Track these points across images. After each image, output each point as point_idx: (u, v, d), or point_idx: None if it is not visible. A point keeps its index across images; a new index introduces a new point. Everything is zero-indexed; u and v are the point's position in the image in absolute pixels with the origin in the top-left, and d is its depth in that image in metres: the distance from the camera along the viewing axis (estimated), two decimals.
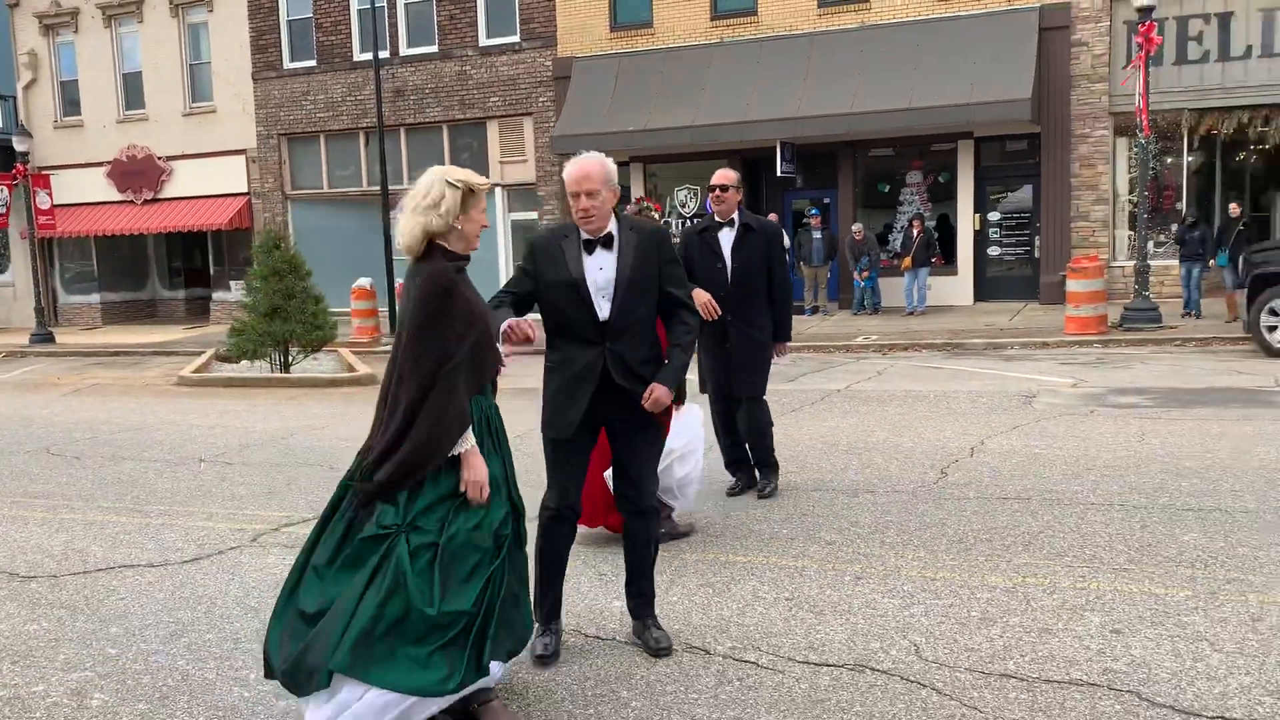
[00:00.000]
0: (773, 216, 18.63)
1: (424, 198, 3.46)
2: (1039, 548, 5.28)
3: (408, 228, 3.46)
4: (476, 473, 3.43)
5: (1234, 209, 15.08)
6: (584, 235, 4.04)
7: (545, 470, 4.17)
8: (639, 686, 3.89)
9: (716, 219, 6.33)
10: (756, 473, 6.65)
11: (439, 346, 3.36)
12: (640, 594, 4.29)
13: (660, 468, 5.35)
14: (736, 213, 6.29)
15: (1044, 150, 18.00)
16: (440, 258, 3.46)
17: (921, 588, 4.78)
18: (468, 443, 3.42)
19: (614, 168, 4.06)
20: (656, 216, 6.19)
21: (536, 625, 4.09)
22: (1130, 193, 17.62)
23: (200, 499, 7.24)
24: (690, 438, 5.70)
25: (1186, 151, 17.73)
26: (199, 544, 6.06)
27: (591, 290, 4.00)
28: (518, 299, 4.08)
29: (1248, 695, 3.59)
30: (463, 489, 3.43)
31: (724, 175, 6.29)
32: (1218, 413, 8.62)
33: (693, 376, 5.77)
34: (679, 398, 5.58)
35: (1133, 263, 15.43)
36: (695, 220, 20.34)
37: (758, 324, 6.33)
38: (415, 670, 3.26)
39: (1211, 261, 14.94)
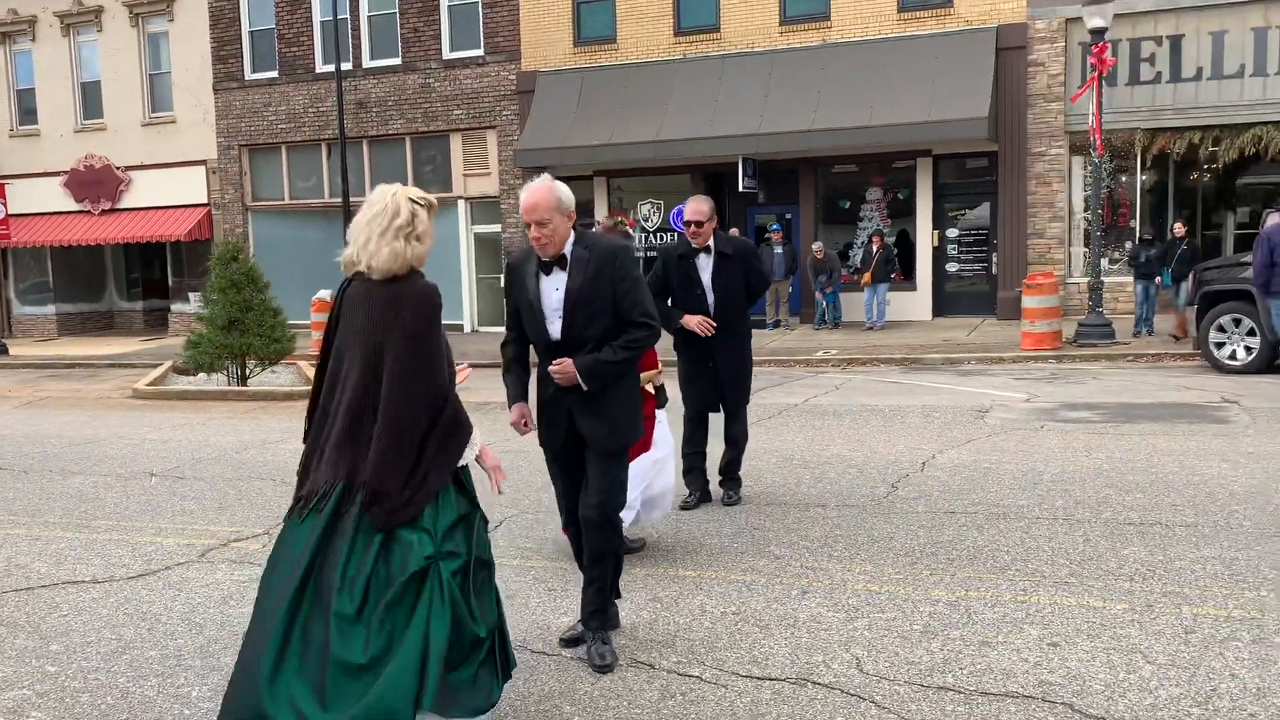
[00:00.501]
0: (734, 231, 18.75)
1: (393, 219, 3.29)
2: (983, 561, 5.35)
3: (388, 252, 3.26)
4: (493, 459, 3.50)
5: (1178, 229, 15.25)
6: (541, 258, 4.14)
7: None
8: (582, 702, 3.91)
9: (693, 246, 6.38)
10: (719, 484, 6.79)
11: (443, 364, 3.32)
12: (595, 608, 4.29)
13: (647, 474, 5.42)
14: (712, 239, 6.37)
15: (1001, 168, 18.27)
16: (418, 276, 3.37)
17: (866, 601, 4.83)
18: (476, 447, 3.43)
19: (565, 192, 4.09)
20: (630, 232, 6.26)
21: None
22: (1085, 210, 17.91)
23: (149, 514, 7.17)
24: (668, 445, 5.73)
25: (1140, 170, 18.06)
26: (146, 559, 6.00)
27: (546, 311, 4.14)
28: (520, 335, 4.37)
29: (1176, 706, 3.67)
30: (493, 489, 3.49)
31: (697, 210, 6.28)
32: (1165, 428, 8.77)
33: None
34: (660, 401, 5.64)
35: (1087, 279, 15.68)
36: (659, 235, 20.50)
37: (741, 334, 6.59)
38: (474, 693, 3.25)
39: (1157, 280, 15.13)
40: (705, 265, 6.38)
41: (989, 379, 12.50)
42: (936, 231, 19.06)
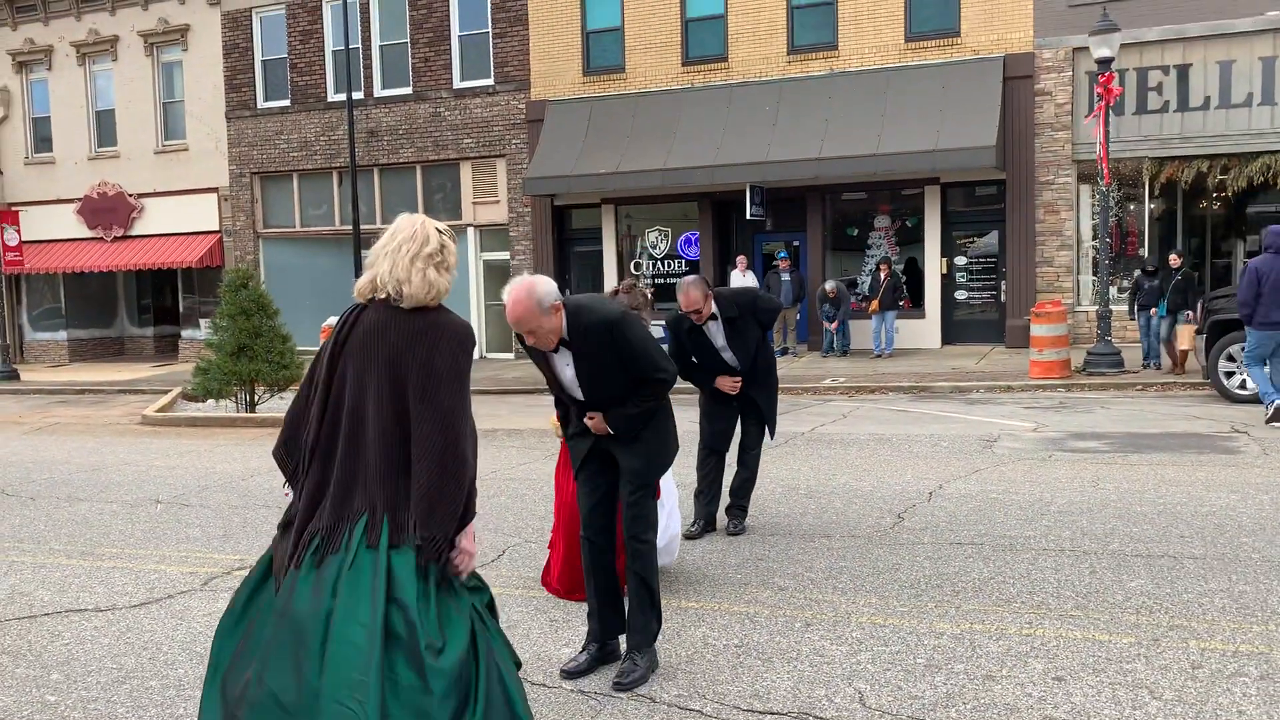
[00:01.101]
0: (741, 259, 18.81)
1: (423, 246, 3.18)
2: (989, 594, 5.31)
3: (421, 280, 3.14)
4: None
5: (1174, 259, 14.61)
6: None
7: None
8: None
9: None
10: (726, 509, 6.84)
11: (467, 394, 3.22)
12: (634, 626, 4.45)
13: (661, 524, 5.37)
14: (714, 307, 6.39)
15: (1009, 196, 18.29)
16: (447, 309, 3.25)
17: (870, 634, 4.80)
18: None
19: (544, 291, 4.06)
20: (649, 295, 6.26)
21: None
22: (1093, 238, 17.89)
23: (154, 541, 7.17)
24: (673, 496, 5.70)
25: (1148, 199, 18.06)
26: (149, 588, 6.00)
27: (565, 383, 4.43)
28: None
29: None
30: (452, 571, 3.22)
31: (690, 301, 6.23)
32: (1173, 458, 8.72)
33: None
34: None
35: (1096, 308, 15.63)
36: (667, 262, 20.55)
37: (766, 366, 6.70)
38: None
39: (1153, 311, 14.58)
40: (716, 332, 6.49)
41: (997, 408, 12.45)
42: (945, 259, 19.05)
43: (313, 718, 2.88)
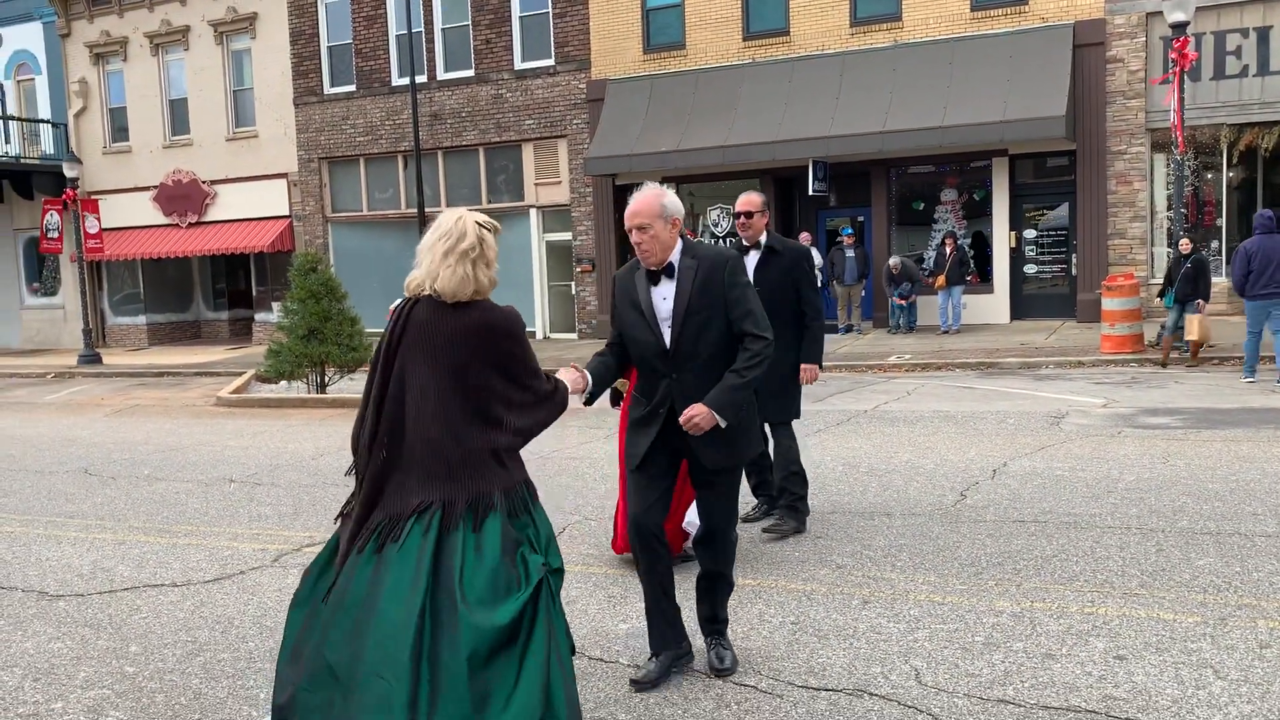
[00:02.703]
0: (805, 235, 18.66)
1: (458, 242, 3.30)
2: (1051, 572, 5.25)
3: (452, 275, 3.26)
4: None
5: (1184, 245, 13.31)
6: (647, 267, 4.11)
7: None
8: (637, 710, 3.93)
9: (744, 243, 6.29)
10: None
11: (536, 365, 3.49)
12: (707, 615, 4.32)
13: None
14: (764, 235, 6.18)
15: (1080, 167, 17.85)
16: (492, 302, 3.38)
17: (928, 612, 4.78)
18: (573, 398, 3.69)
19: (671, 200, 4.05)
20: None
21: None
22: (1168, 209, 17.40)
23: (227, 519, 7.39)
24: None
25: (1226, 167, 17.50)
26: (222, 564, 6.20)
27: (658, 319, 4.06)
28: (618, 349, 4.24)
29: None
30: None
31: (747, 201, 6.16)
32: (1249, 434, 8.50)
33: None
34: (614, 401, 5.52)
35: None
36: (728, 240, 20.47)
37: (783, 347, 6.03)
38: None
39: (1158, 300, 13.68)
40: (751, 261, 6.15)
41: (1066, 384, 12.22)
42: (1013, 232, 18.69)
43: (356, 689, 3.04)
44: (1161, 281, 14.99)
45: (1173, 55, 14.37)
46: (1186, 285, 12.99)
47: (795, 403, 6.30)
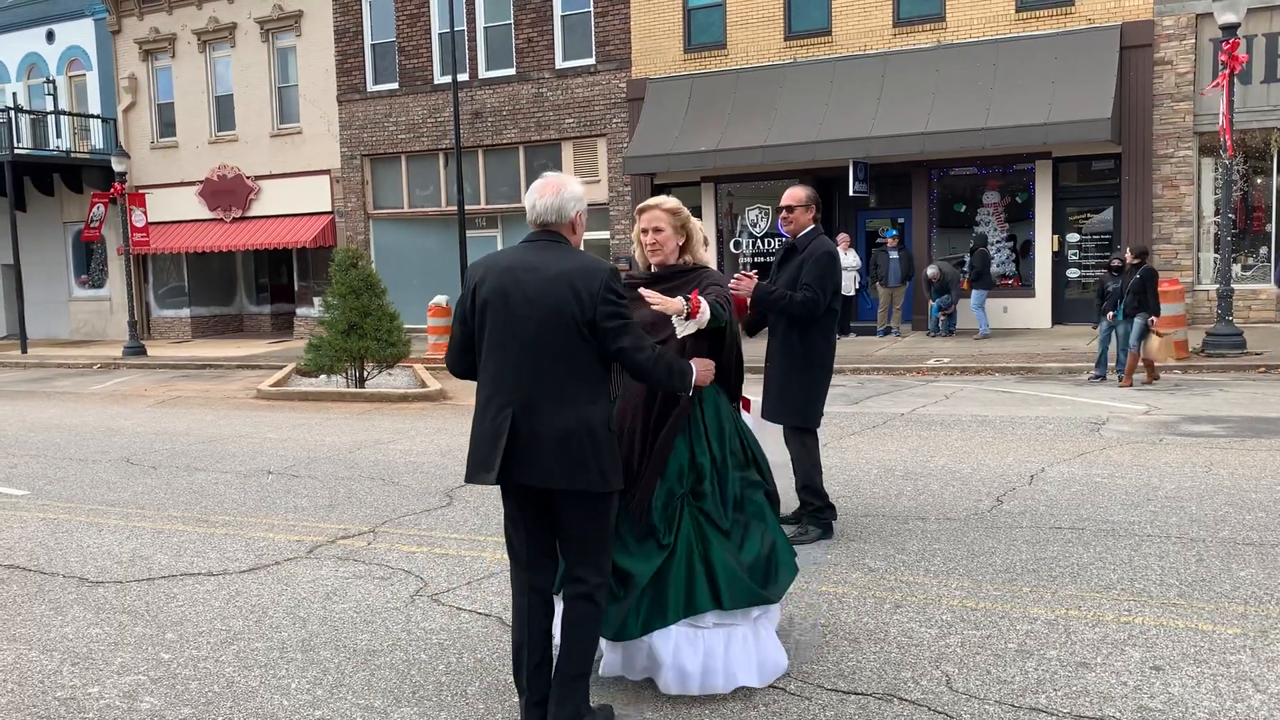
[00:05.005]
0: (844, 236, 18.56)
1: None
2: (1087, 579, 5.18)
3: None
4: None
5: (1129, 256, 12.42)
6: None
7: None
8: (664, 710, 3.92)
9: (786, 238, 6.22)
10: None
11: None
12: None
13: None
14: (810, 230, 6.02)
15: (1125, 170, 17.60)
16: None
17: (961, 617, 4.73)
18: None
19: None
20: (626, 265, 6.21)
21: None
22: (1215, 214, 17.11)
23: (264, 510, 7.48)
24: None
25: (1276, 171, 17.17)
26: (258, 554, 6.27)
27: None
28: None
29: None
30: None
31: (790, 195, 6.09)
32: None
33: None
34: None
35: (1217, 286, 14.96)
36: (767, 240, 20.40)
37: (785, 347, 5.99)
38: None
39: (1110, 315, 12.54)
40: (779, 255, 6.15)
41: (1107, 389, 12.05)
42: (1056, 236, 18.46)
43: None
44: (1216, 285, 14.73)
45: (1222, 57, 14.12)
46: (1133, 298, 12.13)
47: (794, 407, 5.99)
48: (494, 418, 3.49)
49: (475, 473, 3.55)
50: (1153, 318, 12.09)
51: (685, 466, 4.01)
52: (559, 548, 3.69)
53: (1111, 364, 12.67)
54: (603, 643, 3.94)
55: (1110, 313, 12.54)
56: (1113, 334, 12.66)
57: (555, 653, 3.65)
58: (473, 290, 3.60)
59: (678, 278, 4.24)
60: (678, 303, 3.88)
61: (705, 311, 3.93)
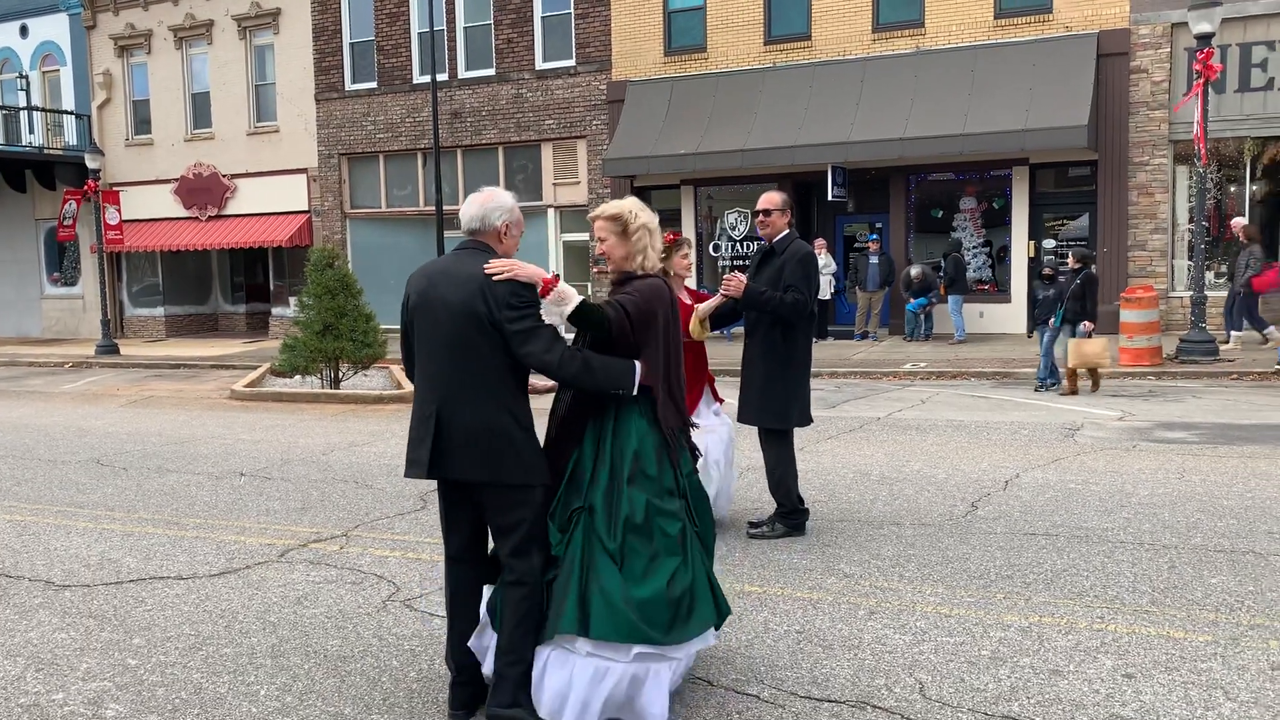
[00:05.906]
0: (820, 241, 18.59)
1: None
2: (1060, 586, 5.19)
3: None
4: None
5: (1071, 262, 12.17)
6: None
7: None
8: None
9: (763, 241, 6.24)
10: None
11: None
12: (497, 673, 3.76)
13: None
14: (784, 234, 6.07)
15: (1101, 178, 17.73)
16: None
17: (935, 624, 4.73)
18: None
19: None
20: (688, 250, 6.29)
21: None
22: (1189, 222, 17.26)
23: (235, 513, 7.40)
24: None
25: (1249, 180, 17.34)
26: (228, 558, 6.20)
27: None
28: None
29: None
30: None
31: (765, 199, 6.13)
32: (1267, 450, 8.39)
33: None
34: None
35: (1190, 293, 15.09)
36: (746, 244, 20.42)
37: (766, 348, 6.04)
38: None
39: (1050, 323, 12.29)
40: (756, 257, 6.23)
41: (1082, 395, 12.12)
42: (1032, 242, 18.57)
43: None
44: (1190, 292, 14.81)
45: (1197, 67, 14.25)
46: (1074, 304, 11.89)
47: (767, 407, 6.04)
48: (424, 415, 3.72)
49: (410, 468, 3.76)
50: (1087, 324, 11.88)
51: (588, 476, 3.81)
52: (491, 538, 3.87)
53: (1063, 370, 12.54)
54: None
55: (1049, 318, 12.26)
56: (1055, 340, 12.36)
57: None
58: (407, 298, 3.85)
59: (626, 284, 4.00)
60: (532, 269, 3.68)
61: (563, 295, 3.71)
